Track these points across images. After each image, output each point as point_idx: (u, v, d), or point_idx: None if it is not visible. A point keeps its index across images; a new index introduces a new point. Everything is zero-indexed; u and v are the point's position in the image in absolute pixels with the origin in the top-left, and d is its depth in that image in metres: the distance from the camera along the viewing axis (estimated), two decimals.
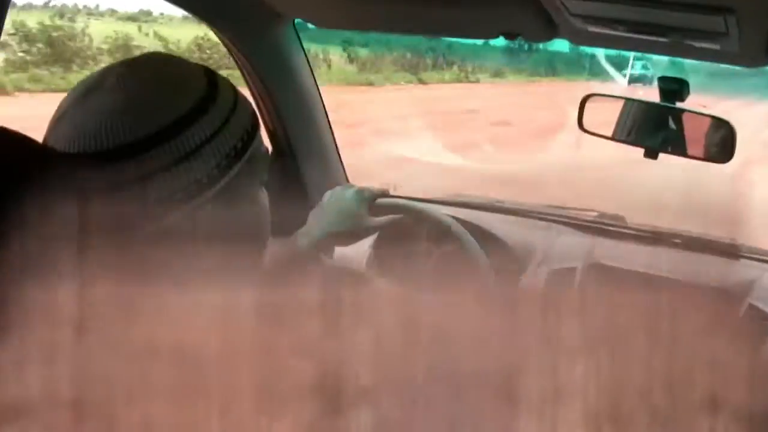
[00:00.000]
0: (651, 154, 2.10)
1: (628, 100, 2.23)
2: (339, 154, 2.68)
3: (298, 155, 2.49)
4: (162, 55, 1.19)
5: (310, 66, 2.45)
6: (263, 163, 1.24)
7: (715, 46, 1.71)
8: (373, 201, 1.93)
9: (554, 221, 2.64)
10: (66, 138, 1.06)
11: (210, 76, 1.17)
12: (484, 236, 2.02)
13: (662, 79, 2.05)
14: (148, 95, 1.09)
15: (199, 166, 1.10)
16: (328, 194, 1.95)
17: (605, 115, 2.25)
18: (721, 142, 2.10)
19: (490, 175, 9.70)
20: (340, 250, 2.00)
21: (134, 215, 1.05)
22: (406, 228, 2.04)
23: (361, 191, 1.92)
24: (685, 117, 2.11)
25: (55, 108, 1.12)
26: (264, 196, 1.26)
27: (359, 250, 2.42)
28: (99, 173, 1.04)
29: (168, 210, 1.08)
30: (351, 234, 1.91)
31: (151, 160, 1.06)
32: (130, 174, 1.05)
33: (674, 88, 2.03)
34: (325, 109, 2.56)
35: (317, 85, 2.51)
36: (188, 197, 1.09)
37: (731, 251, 2.47)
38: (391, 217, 1.93)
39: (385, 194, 1.96)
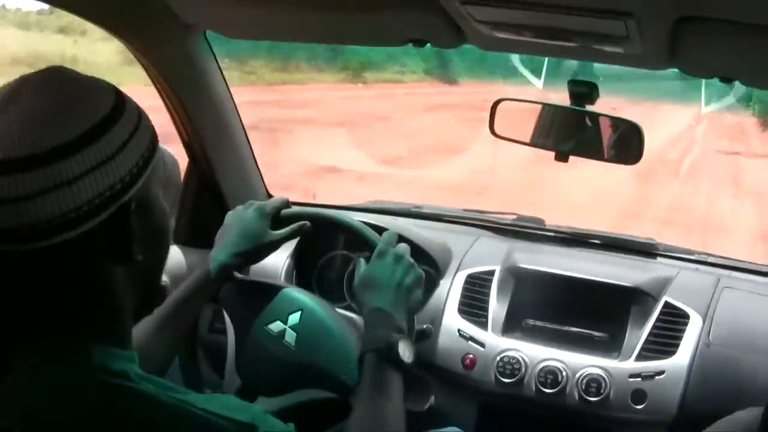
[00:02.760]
0: (561, 157, 2.11)
1: (541, 104, 2.23)
2: (257, 164, 2.66)
3: (214, 165, 2.47)
4: (68, 69, 1.20)
5: (223, 77, 2.43)
6: (162, 174, 1.26)
7: (619, 50, 1.73)
8: (275, 214, 1.92)
9: (472, 225, 2.65)
10: None
11: (115, 89, 1.20)
12: (400, 241, 2.03)
13: (572, 83, 2.05)
14: (64, 103, 1.11)
15: (116, 169, 1.11)
16: (229, 216, 1.93)
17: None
18: (631, 144, 2.12)
19: None
20: (256, 266, 1.99)
21: (54, 220, 1.06)
22: (325, 237, 2.03)
23: (261, 207, 1.91)
24: (596, 120, 2.12)
25: None
26: (166, 207, 1.26)
27: (277, 262, 2.41)
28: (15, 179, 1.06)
29: (89, 215, 1.09)
30: (256, 251, 1.90)
31: (73, 164, 1.07)
32: (51, 179, 1.06)
33: (584, 92, 2.04)
34: (240, 119, 2.54)
35: (232, 96, 2.49)
36: (106, 202, 1.10)
37: (648, 250, 2.50)
38: (292, 227, 1.91)
39: (286, 205, 1.95)
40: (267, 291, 1.91)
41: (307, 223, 1.92)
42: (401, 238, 1.91)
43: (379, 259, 1.75)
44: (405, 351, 1.59)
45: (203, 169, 2.48)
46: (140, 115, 1.20)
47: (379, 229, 1.93)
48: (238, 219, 1.90)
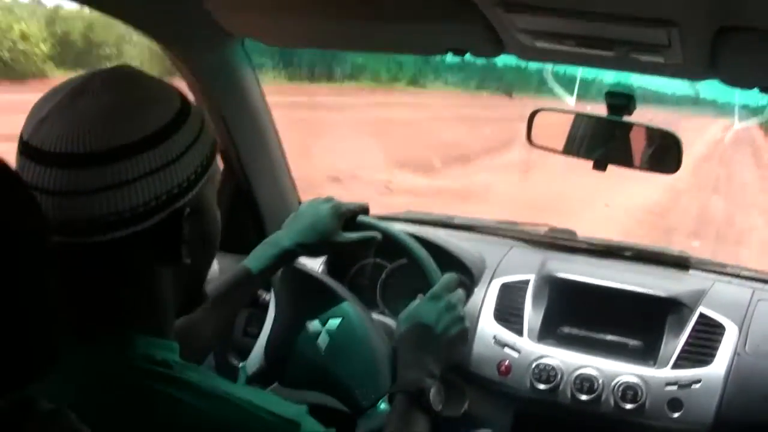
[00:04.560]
0: (600, 166, 2.12)
1: (577, 114, 2.23)
2: (290, 173, 2.68)
3: (249, 173, 2.49)
4: (137, 69, 1.22)
5: (259, 85, 2.45)
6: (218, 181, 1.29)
7: (659, 59, 1.73)
8: (350, 217, 1.92)
9: (505, 236, 2.66)
10: (54, 137, 1.09)
11: (181, 95, 1.21)
12: (436, 250, 2.03)
13: (610, 94, 2.06)
14: (132, 103, 1.13)
15: (175, 175, 1.13)
16: (305, 204, 1.94)
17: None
18: (668, 154, 2.12)
19: None
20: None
21: (107, 218, 1.09)
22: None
23: (338, 206, 1.91)
24: (633, 130, 2.13)
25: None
26: (218, 214, 1.28)
27: (312, 267, 2.41)
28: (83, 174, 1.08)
29: (142, 216, 1.11)
30: (320, 247, 1.90)
31: (133, 166, 1.09)
32: (109, 178, 1.08)
33: (621, 103, 2.05)
34: (275, 128, 2.56)
35: (267, 105, 2.51)
36: (161, 206, 1.13)
37: (681, 263, 2.50)
38: (363, 235, 1.92)
39: (364, 211, 1.95)
40: (324, 293, 1.92)
41: (379, 236, 1.93)
42: (433, 247, 1.91)
43: (431, 300, 1.74)
44: (436, 398, 1.58)
45: (238, 177, 2.50)
46: (203, 123, 1.21)
47: (416, 238, 1.94)
48: (313, 210, 1.90)
